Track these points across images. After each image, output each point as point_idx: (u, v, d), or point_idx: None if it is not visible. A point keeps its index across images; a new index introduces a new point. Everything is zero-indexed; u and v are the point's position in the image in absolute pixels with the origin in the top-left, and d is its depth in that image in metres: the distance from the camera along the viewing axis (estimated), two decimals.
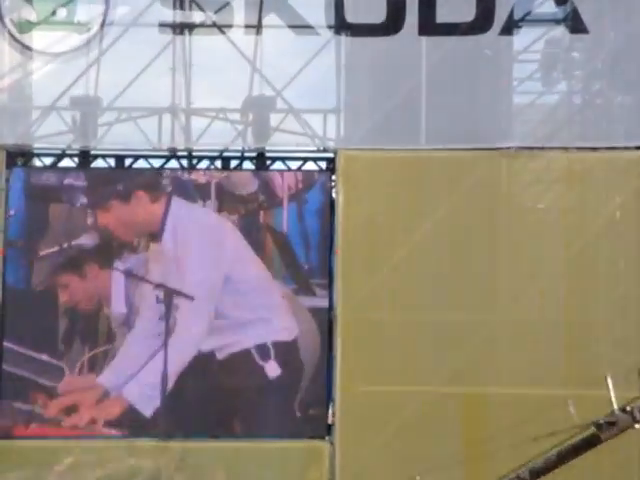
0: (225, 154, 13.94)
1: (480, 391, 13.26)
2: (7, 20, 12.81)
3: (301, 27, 13.63)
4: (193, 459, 13.01)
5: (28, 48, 13.11)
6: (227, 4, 13.59)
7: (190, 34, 13.57)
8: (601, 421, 9.76)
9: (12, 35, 12.96)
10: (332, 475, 13.13)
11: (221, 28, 13.47)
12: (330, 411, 13.39)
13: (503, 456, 12.36)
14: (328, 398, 13.39)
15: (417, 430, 13.10)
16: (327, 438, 13.28)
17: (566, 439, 10.05)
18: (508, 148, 13.34)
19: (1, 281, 12.80)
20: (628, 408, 9.75)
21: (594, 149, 13.31)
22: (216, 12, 13.55)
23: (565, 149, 13.41)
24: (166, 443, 12.99)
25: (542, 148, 13.48)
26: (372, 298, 13.30)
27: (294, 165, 14.02)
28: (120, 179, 13.10)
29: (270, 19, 13.64)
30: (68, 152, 13.24)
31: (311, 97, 14.01)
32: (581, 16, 13.32)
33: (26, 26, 13.01)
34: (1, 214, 12.75)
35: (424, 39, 13.35)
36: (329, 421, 13.35)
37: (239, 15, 13.71)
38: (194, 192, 13.38)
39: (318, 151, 13.90)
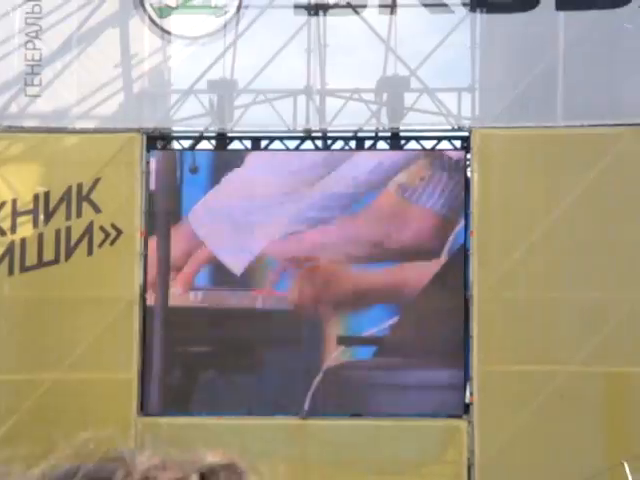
0: (359, 134, 14.02)
1: (623, 370, 13.18)
2: (147, 5, 13.06)
3: (436, 5, 13.56)
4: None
5: (167, 32, 13.33)
6: None
7: (325, 15, 13.55)
8: None
9: (152, 20, 13.20)
10: (471, 454, 13.28)
11: (355, 8, 13.42)
12: (468, 391, 13.47)
13: None
14: (466, 378, 13.45)
15: (556, 409, 13.13)
16: (465, 417, 13.38)
17: None
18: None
19: None
20: None
21: None
22: None
23: None
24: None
25: None
26: (508, 278, 13.28)
27: (428, 145, 14.07)
28: None
29: None
30: (205, 135, 13.55)
31: (445, 76, 14.13)
32: None
33: (165, 11, 13.25)
34: (142, 195, 12.94)
35: (562, 14, 13.17)
36: (467, 400, 13.47)
37: None
38: None
39: (453, 130, 13.95)
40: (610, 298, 13.12)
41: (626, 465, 12.51)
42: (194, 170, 13.07)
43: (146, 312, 13.22)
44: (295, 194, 13.18)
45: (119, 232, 13.12)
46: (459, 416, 13.53)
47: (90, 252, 13.18)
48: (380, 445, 13.50)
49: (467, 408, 13.52)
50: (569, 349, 13.37)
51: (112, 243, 13.13)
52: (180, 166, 13.17)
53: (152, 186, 13.07)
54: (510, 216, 13.61)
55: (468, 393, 13.73)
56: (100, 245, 13.14)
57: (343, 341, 13.65)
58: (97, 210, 13.07)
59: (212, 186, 13.34)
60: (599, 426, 13.39)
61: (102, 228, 13.12)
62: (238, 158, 13.53)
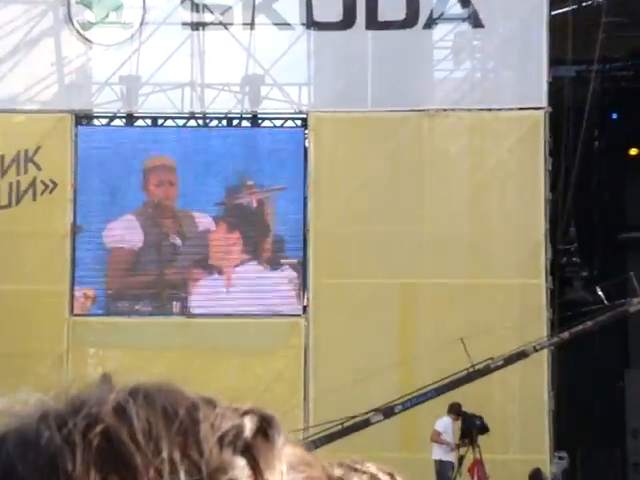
0: (229, 115, 19.04)
1: (413, 282, 18.43)
2: (75, 21, 18.10)
3: (282, 24, 18.66)
4: None
5: (89, 41, 18.28)
6: (229, 8, 18.68)
7: (203, 30, 18.55)
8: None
9: (78, 32, 18.21)
10: (307, 341, 18.27)
11: (225, 25, 18.45)
12: (305, 297, 18.44)
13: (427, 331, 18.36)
14: (304, 288, 18.40)
15: (367, 312, 17.99)
16: (303, 316, 18.28)
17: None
18: (429, 110, 18.39)
19: None
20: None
21: (489, 110, 18.67)
22: (222, 14, 18.68)
23: (469, 110, 18.80)
24: None
25: (453, 109, 18.71)
26: (335, 217, 18.26)
27: (278, 123, 19.21)
28: None
29: (260, 19, 18.72)
30: (118, 115, 18.70)
31: (289, 74, 19.09)
32: (479, 15, 18.58)
33: (87, 25, 18.26)
34: (71, 158, 17.91)
35: (370, 32, 18.45)
36: (305, 302, 18.44)
37: (238, 16, 18.88)
38: None
39: (295, 113, 19.14)
40: (401, 230, 18.27)
41: (463, 341, 16.77)
42: None
43: (75, 241, 18.02)
44: None
45: (55, 184, 17.94)
46: (299, 315, 18.42)
47: (34, 199, 18.04)
48: (245, 336, 18.51)
49: (305, 310, 18.40)
50: (374, 267, 18.27)
51: (50, 192, 17.96)
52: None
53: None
54: (336, 173, 18.67)
55: (306, 299, 18.56)
56: (42, 194, 17.97)
57: None
58: (39, 168, 17.91)
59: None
60: (396, 322, 18.52)
61: (43, 182, 17.91)
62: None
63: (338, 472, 1.53)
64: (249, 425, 0.74)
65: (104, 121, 19.37)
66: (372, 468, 1.38)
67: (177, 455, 0.68)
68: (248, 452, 0.73)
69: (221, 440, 0.71)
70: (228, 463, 0.69)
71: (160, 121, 19.48)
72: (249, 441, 0.73)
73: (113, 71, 18.84)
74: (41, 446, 0.70)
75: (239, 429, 0.73)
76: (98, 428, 0.68)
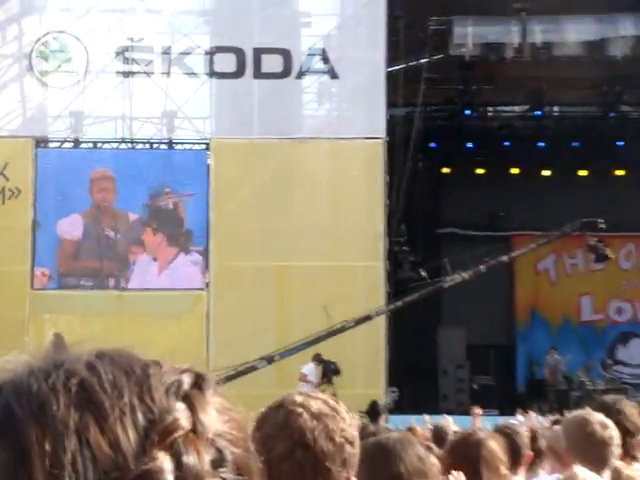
0: (151, 141, 23.11)
1: (287, 264, 21.78)
2: (35, 70, 22.10)
3: (191, 74, 22.60)
4: None
5: (46, 84, 22.28)
6: (151, 61, 22.38)
7: (132, 77, 22.50)
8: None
9: (37, 78, 22.21)
10: (208, 309, 21.67)
11: (148, 74, 22.42)
12: (207, 275, 21.91)
13: (298, 301, 21.30)
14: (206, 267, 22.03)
15: (252, 287, 21.41)
16: (205, 290, 21.86)
17: None
18: (300, 138, 22.02)
19: None
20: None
21: (343, 139, 22.29)
22: (146, 65, 22.40)
23: (328, 139, 22.32)
24: None
25: (317, 138, 22.36)
26: (230, 215, 21.86)
27: (188, 146, 23.26)
28: None
29: (174, 69, 22.49)
30: (67, 140, 22.73)
31: (196, 110, 23.01)
32: (335, 70, 22.31)
33: (45, 73, 22.21)
34: (32, 171, 21.74)
35: (256, 80, 22.31)
36: (207, 280, 21.89)
37: (158, 67, 22.52)
38: None
39: (200, 139, 22.98)
40: (278, 226, 21.60)
41: (325, 309, 19.41)
42: None
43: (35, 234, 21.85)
44: None
45: (20, 191, 21.73)
46: (202, 289, 21.98)
47: (3, 202, 21.80)
48: (163, 305, 21.92)
49: (207, 285, 22.06)
50: (258, 253, 21.70)
51: (16, 197, 21.73)
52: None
53: None
54: (231, 184, 22.12)
55: (207, 277, 21.88)
56: (9, 198, 21.72)
57: None
58: (7, 179, 21.65)
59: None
60: (274, 295, 21.94)
61: (10, 189, 21.68)
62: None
63: (299, 398, 2.72)
64: (187, 380, 0.91)
65: (57, 144, 23.23)
66: (321, 395, 2.57)
67: (135, 400, 0.86)
68: (187, 399, 0.90)
69: (167, 390, 0.88)
70: (172, 407, 0.88)
71: (99, 144, 23.26)
72: (187, 391, 0.90)
73: (64, 107, 22.50)
74: (32, 393, 0.85)
75: (180, 382, 0.90)
76: (75, 379, 0.85)
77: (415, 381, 24.34)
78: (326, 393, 20.18)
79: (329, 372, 20.19)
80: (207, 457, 0.93)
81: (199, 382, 0.96)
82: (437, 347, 27.36)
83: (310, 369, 20.24)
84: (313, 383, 19.76)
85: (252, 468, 1.03)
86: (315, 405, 2.70)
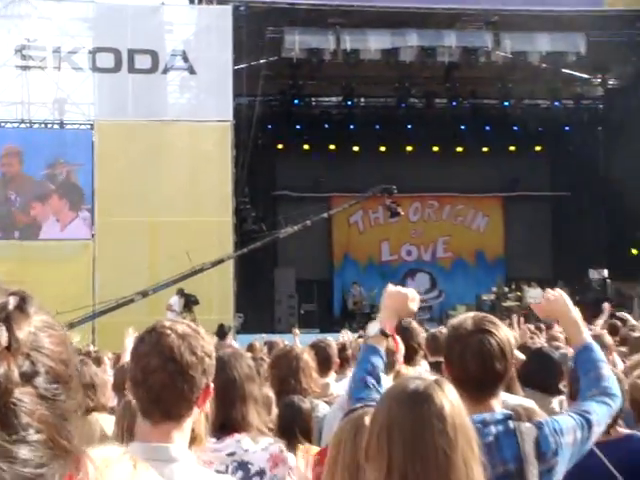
0: (46, 121, 23.18)
1: (158, 220, 22.00)
2: None
3: (77, 68, 22.62)
4: None
5: None
6: (44, 58, 22.11)
7: (29, 70, 22.32)
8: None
9: None
10: (94, 255, 21.58)
11: (42, 68, 22.16)
12: (93, 228, 22.16)
13: (168, 247, 21.37)
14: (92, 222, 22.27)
15: (129, 238, 21.51)
16: (92, 239, 21.99)
17: None
18: (166, 120, 22.28)
19: None
20: None
21: (201, 121, 22.52)
22: (40, 61, 22.14)
23: (188, 121, 22.55)
24: None
25: (177, 120, 22.57)
26: (111, 180, 21.99)
27: (76, 126, 23.51)
28: None
29: (64, 65, 22.24)
30: None
31: (83, 97, 23.18)
32: (193, 67, 22.76)
33: None
34: None
35: (130, 75, 22.36)
36: (93, 232, 22.13)
37: (50, 63, 22.19)
38: None
39: (87, 121, 23.02)
40: (151, 187, 21.69)
41: (188, 254, 19.27)
42: None
43: None
44: None
45: None
46: (89, 239, 22.16)
47: None
48: (58, 252, 21.64)
49: (93, 236, 21.97)
50: (134, 210, 21.58)
51: None
52: None
53: None
54: (112, 155, 22.05)
55: (93, 229, 22.00)
56: None
57: None
58: None
59: None
60: (147, 242, 21.81)
61: None
62: None
63: (167, 323, 2.70)
64: (12, 302, 0.85)
65: None
66: (185, 321, 2.78)
67: None
68: (7, 320, 0.85)
69: None
70: None
71: (3, 124, 23.35)
72: (9, 312, 0.85)
73: None
74: None
75: (5, 304, 0.85)
76: None
77: (256, 308, 24.72)
78: (187, 319, 17.31)
79: (190, 303, 20.68)
80: (17, 370, 0.95)
81: (21, 304, 0.95)
82: (273, 282, 27.58)
83: (175, 301, 20.60)
84: (177, 312, 20.11)
85: (67, 378, 1.03)
86: (180, 328, 2.70)
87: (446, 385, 2.44)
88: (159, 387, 2.64)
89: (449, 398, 2.38)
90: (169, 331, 2.68)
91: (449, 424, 2.34)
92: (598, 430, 3.27)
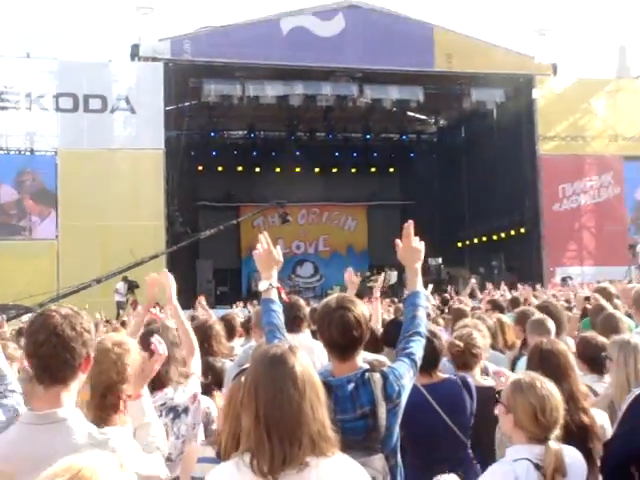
0: (19, 149, 22.60)
1: (107, 224, 21.19)
2: None
3: (43, 109, 22.15)
4: None
5: None
6: (18, 101, 21.47)
7: (6, 110, 21.70)
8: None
9: None
10: (58, 251, 20.93)
11: (17, 108, 21.69)
12: (57, 230, 21.64)
13: (116, 245, 20.54)
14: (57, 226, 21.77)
15: (87, 237, 20.79)
16: (56, 239, 21.07)
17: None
18: (113, 148, 21.71)
19: None
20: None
21: (139, 149, 21.58)
22: (15, 103, 21.57)
23: (130, 149, 21.59)
24: None
25: (122, 149, 21.83)
26: (72, 193, 21.29)
27: (44, 152, 22.35)
28: None
29: (34, 106, 21.87)
30: None
31: (49, 131, 22.45)
32: (134, 108, 22.07)
33: None
34: None
35: (85, 114, 21.89)
36: (57, 233, 21.41)
37: (23, 104, 21.60)
38: None
39: (52, 149, 22.06)
40: (106, 199, 20.96)
41: (131, 250, 18.36)
42: None
43: None
44: None
45: None
46: (54, 239, 21.14)
47: None
48: (27, 250, 20.78)
49: (57, 237, 21.09)
50: (89, 212, 20.51)
51: None
52: None
53: None
54: (70, 176, 21.31)
55: (57, 231, 20.95)
56: None
57: None
58: None
59: None
60: (98, 242, 20.64)
61: None
62: None
63: (54, 307, 2.41)
64: None
65: None
66: (69, 305, 2.39)
67: None
68: None
69: None
70: None
71: None
72: None
73: None
74: None
75: None
76: None
77: (183, 291, 19.32)
78: (130, 299, 19.17)
79: (132, 287, 20.00)
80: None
81: None
82: (196, 271, 27.08)
83: (121, 285, 20.29)
84: (122, 294, 20.05)
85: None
86: (64, 310, 2.55)
87: (298, 351, 2.38)
88: (47, 357, 2.51)
89: (300, 361, 2.33)
90: (54, 313, 2.56)
91: (299, 379, 2.30)
92: (419, 363, 3.27)
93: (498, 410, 3.17)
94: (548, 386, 3.10)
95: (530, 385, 3.08)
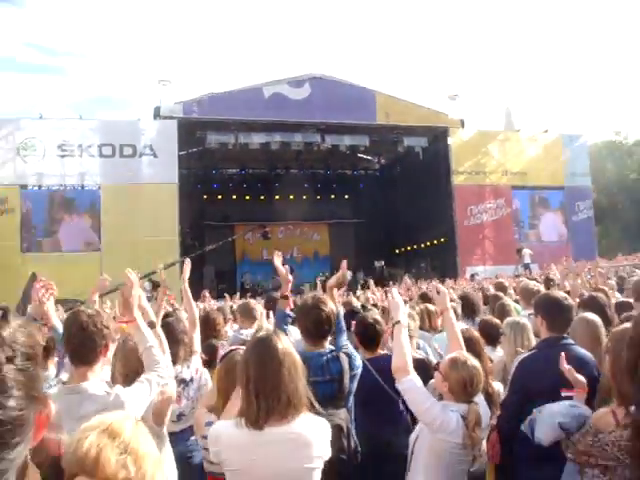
0: (75, 185, 21.68)
1: (136, 239, 19.51)
2: None
3: (91, 155, 21.47)
4: None
5: None
6: (73, 150, 20.06)
7: (65, 157, 20.21)
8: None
9: None
10: (101, 261, 18.88)
11: (72, 156, 20.09)
12: (101, 243, 21.84)
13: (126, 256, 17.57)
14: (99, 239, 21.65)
15: (122, 252, 18.62)
16: (100, 250, 19.96)
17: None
18: (141, 183, 20.05)
19: None
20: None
21: (159, 183, 20.24)
22: (71, 151, 20.02)
23: (153, 183, 20.40)
24: None
25: (147, 183, 20.02)
26: (113, 220, 19.84)
27: (92, 188, 20.44)
28: None
29: (84, 153, 21.19)
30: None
31: (95, 171, 21.07)
32: (156, 153, 20.54)
33: None
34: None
35: (121, 159, 20.55)
36: (100, 246, 20.53)
37: (76, 152, 20.21)
38: None
39: (97, 185, 20.53)
40: (133, 222, 19.86)
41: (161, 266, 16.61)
42: None
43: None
44: None
45: None
46: (98, 250, 19.68)
47: None
48: (79, 260, 19.06)
49: (100, 248, 19.80)
50: (123, 233, 19.46)
51: None
52: None
53: None
54: (112, 206, 20.18)
55: (101, 244, 19.75)
56: None
57: None
58: None
59: None
60: (131, 255, 17.70)
61: None
62: None
63: (90, 311, 2.37)
64: None
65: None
66: (96, 309, 2.17)
67: None
68: None
69: None
70: None
71: (53, 186, 20.52)
72: None
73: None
74: None
75: None
76: None
77: (193, 289, 19.02)
78: (154, 296, 17.96)
79: (155, 285, 16.91)
80: (3, 355, 0.81)
81: (5, 313, 0.85)
82: (203, 274, 24.99)
83: (147, 285, 17.13)
84: (149, 290, 17.27)
85: (34, 356, 0.88)
86: (90, 311, 2.52)
87: (281, 335, 2.31)
88: (77, 345, 2.56)
89: (282, 341, 2.28)
90: (82, 313, 2.55)
91: (280, 354, 2.25)
92: (351, 349, 3.29)
93: (435, 377, 3.15)
94: (475, 363, 3.08)
95: (463, 363, 3.06)
